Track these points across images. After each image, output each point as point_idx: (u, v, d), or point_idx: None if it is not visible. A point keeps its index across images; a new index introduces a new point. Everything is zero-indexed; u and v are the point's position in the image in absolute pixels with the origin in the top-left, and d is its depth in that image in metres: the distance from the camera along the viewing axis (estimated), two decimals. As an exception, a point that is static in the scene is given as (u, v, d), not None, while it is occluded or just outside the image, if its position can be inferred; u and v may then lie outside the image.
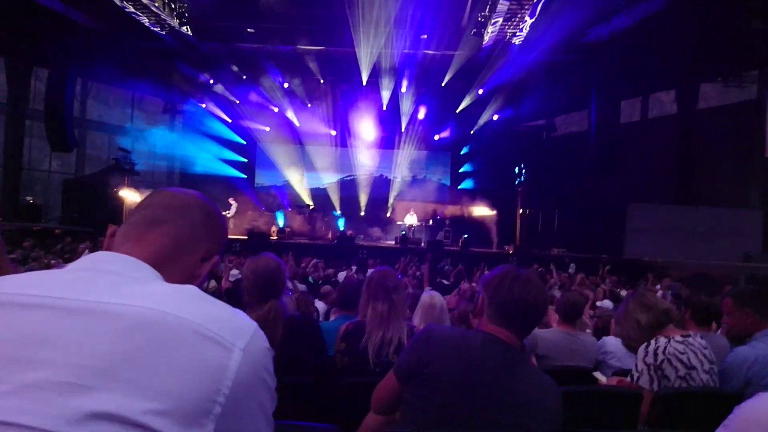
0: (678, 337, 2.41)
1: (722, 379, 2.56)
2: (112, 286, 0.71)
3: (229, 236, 15.46)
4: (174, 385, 0.63)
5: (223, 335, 0.68)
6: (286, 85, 18.24)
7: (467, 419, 1.45)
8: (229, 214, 17.15)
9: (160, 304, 0.68)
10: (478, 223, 17.77)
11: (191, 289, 0.75)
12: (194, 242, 0.89)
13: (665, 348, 2.36)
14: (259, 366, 0.71)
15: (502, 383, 1.47)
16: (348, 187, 20.11)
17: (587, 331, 4.32)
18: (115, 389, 0.61)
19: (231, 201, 17.48)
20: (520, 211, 16.49)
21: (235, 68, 17.23)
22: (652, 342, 2.39)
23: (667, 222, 15.29)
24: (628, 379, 2.43)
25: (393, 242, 16.37)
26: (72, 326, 0.65)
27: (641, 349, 2.41)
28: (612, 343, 3.24)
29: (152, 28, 13.97)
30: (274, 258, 2.52)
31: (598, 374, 2.72)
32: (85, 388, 0.60)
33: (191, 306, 0.70)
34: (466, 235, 15.59)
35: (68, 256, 9.71)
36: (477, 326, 1.67)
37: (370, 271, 9.23)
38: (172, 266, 0.84)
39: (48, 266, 7.65)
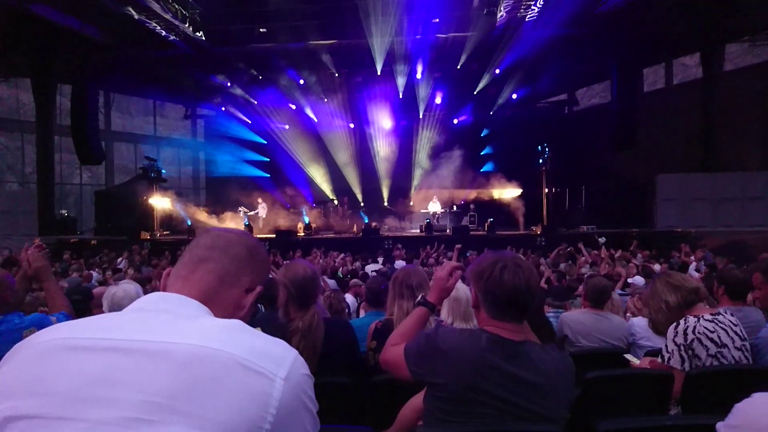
0: (707, 316, 2.39)
1: (756, 354, 2.53)
2: (166, 325, 0.80)
3: (258, 236, 15.76)
4: (225, 415, 0.70)
5: (266, 366, 0.75)
6: (301, 81, 18.33)
7: (478, 417, 1.51)
8: (260, 213, 17.43)
9: (209, 341, 0.76)
10: (504, 206, 17.61)
11: (236, 324, 0.83)
12: (237, 276, 0.96)
13: (695, 327, 2.35)
14: (300, 392, 0.78)
15: (507, 381, 1.51)
16: (369, 178, 20.14)
17: (626, 313, 4.28)
18: (176, 422, 0.69)
19: (259, 200, 17.75)
20: (546, 190, 16.26)
21: (252, 71, 17.43)
22: (682, 322, 2.38)
23: (697, 191, 14.88)
24: (659, 360, 2.43)
25: (418, 231, 16.38)
26: (133, 366, 0.73)
27: (671, 329, 2.40)
28: (640, 324, 3.22)
29: (167, 37, 14.20)
30: (307, 264, 2.60)
31: (629, 356, 2.72)
32: (150, 422, 0.68)
33: (236, 340, 0.78)
34: (491, 219, 15.49)
35: (106, 266, 10.05)
36: (478, 321, 1.69)
37: (396, 262, 9.33)
38: (218, 300, 0.92)
39: (88, 277, 7.94)
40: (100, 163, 19.49)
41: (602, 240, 11.35)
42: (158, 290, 0.97)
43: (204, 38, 15.10)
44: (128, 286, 2.84)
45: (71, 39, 14.66)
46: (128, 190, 17.72)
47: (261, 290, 1.00)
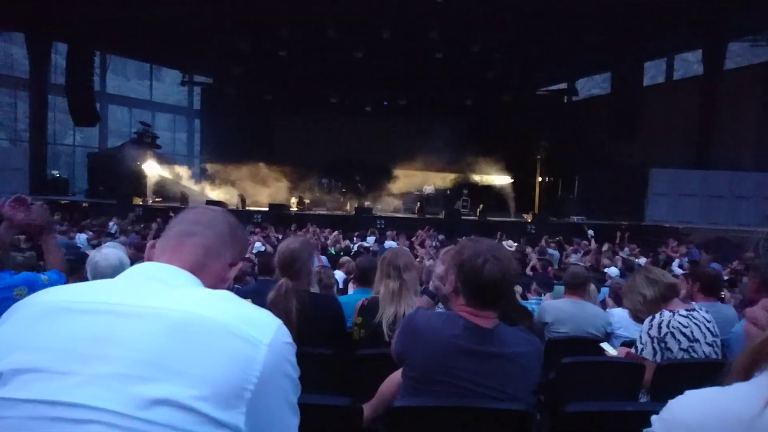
0: (682, 311, 2.49)
1: (727, 348, 2.64)
2: (159, 292, 0.86)
3: (251, 208, 15.76)
4: (212, 375, 0.76)
5: (251, 333, 0.81)
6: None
7: (450, 395, 1.63)
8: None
9: (199, 308, 0.82)
10: (497, 191, 17.69)
11: (225, 294, 0.90)
12: (221, 251, 1.03)
13: (669, 321, 2.44)
14: (283, 358, 0.84)
15: (478, 362, 1.63)
16: (361, 157, 19.99)
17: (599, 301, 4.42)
18: (167, 379, 0.75)
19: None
20: (539, 178, 16.34)
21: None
22: (657, 315, 2.48)
23: (690, 187, 15.00)
24: (633, 350, 2.54)
25: (411, 212, 16.44)
26: (129, 327, 0.79)
27: (646, 322, 2.50)
28: (619, 314, 3.34)
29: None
30: (300, 241, 2.73)
31: (605, 345, 2.83)
32: (144, 378, 0.74)
33: (224, 308, 0.84)
34: (482, 205, 15.59)
35: (97, 229, 10.05)
36: (455, 305, 1.79)
37: (387, 243, 9.42)
38: (205, 272, 0.99)
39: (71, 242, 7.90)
40: (94, 125, 19.25)
41: (591, 233, 11.52)
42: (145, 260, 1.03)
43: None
44: (110, 251, 2.81)
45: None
46: (122, 155, 17.54)
47: (242, 266, 1.07)
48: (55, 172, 18.66)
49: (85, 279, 2.73)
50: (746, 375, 0.76)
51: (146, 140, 17.03)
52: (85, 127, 19.25)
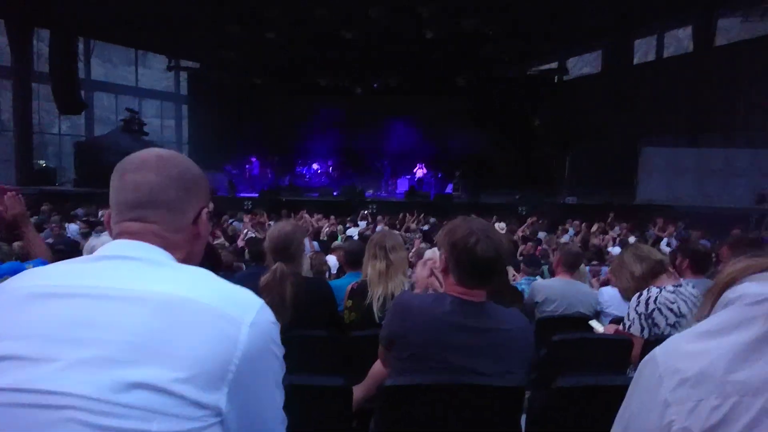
0: (669, 287, 2.52)
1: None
2: (137, 273, 0.84)
3: (243, 194, 15.68)
4: (194, 357, 0.75)
5: (232, 313, 0.80)
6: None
7: (442, 372, 1.64)
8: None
9: (179, 289, 0.81)
10: (489, 171, 17.69)
11: (205, 273, 0.88)
12: (183, 209, 0.96)
13: (656, 297, 2.47)
14: (266, 338, 0.83)
15: (468, 336, 1.64)
16: (354, 140, 19.88)
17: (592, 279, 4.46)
18: (148, 362, 0.74)
19: (253, 159, 17.59)
20: (531, 157, 16.34)
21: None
22: (644, 292, 2.51)
23: (682, 164, 15.06)
24: (621, 327, 2.57)
25: (401, 196, 16.45)
26: (109, 310, 0.77)
27: (633, 298, 2.53)
28: (608, 292, 3.38)
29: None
30: (291, 225, 2.72)
31: (594, 323, 2.86)
32: (124, 362, 0.73)
33: (205, 289, 0.83)
34: (474, 185, 15.61)
35: (89, 218, 9.96)
36: (445, 285, 1.79)
37: (378, 227, 9.43)
38: (175, 238, 0.95)
39: (62, 233, 7.84)
40: (80, 114, 18.96)
41: (572, 200, 11.33)
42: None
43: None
44: (107, 238, 2.80)
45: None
46: (109, 142, 17.32)
47: (207, 211, 1.01)
48: (42, 162, 18.40)
49: None
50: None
51: (134, 127, 16.80)
52: (70, 115, 18.96)
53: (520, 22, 15.82)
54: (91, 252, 2.72)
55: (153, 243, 0.92)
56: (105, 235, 2.88)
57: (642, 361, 0.78)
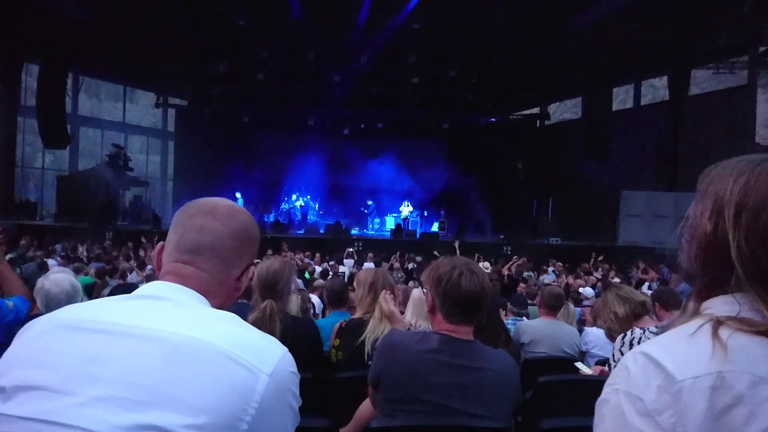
0: (653, 328, 2.54)
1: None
2: (163, 313, 0.83)
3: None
4: (208, 404, 0.74)
5: (252, 361, 0.78)
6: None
7: (426, 413, 1.63)
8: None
9: (199, 332, 0.79)
10: (473, 212, 17.89)
11: (230, 317, 0.86)
12: (235, 260, 0.96)
13: (640, 338, 2.49)
14: (285, 390, 0.81)
15: (454, 374, 1.64)
16: (339, 178, 19.98)
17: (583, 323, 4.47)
18: (160, 405, 0.73)
19: (237, 195, 17.56)
20: (515, 199, 16.61)
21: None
22: (628, 333, 2.53)
23: (661, 208, 15.40)
24: (606, 368, 2.58)
25: (388, 234, 16.48)
26: (127, 349, 0.77)
27: (618, 339, 2.55)
28: (593, 333, 3.40)
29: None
30: (279, 261, 2.70)
31: (579, 365, 2.86)
32: (139, 402, 0.73)
33: (227, 333, 0.81)
34: (454, 226, 15.75)
35: (68, 254, 9.78)
36: (433, 324, 1.80)
37: (365, 264, 9.40)
38: (218, 289, 0.94)
39: (43, 266, 7.65)
40: (65, 148, 18.86)
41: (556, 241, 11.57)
42: (129, 272, 1.00)
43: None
44: (59, 276, 2.60)
45: (43, 13, 14.02)
46: (93, 177, 17.20)
47: (252, 269, 1.02)
48: (23, 196, 18.14)
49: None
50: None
51: (119, 162, 16.73)
52: (55, 149, 18.84)
53: (502, 71, 16.46)
54: (45, 295, 2.63)
55: (196, 290, 0.91)
56: (54, 273, 2.73)
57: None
